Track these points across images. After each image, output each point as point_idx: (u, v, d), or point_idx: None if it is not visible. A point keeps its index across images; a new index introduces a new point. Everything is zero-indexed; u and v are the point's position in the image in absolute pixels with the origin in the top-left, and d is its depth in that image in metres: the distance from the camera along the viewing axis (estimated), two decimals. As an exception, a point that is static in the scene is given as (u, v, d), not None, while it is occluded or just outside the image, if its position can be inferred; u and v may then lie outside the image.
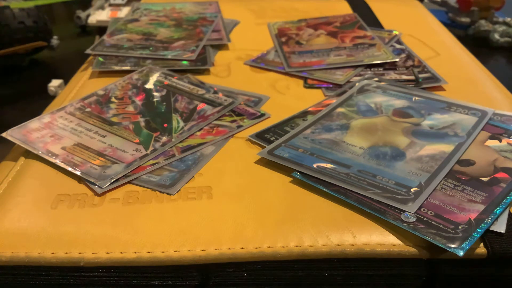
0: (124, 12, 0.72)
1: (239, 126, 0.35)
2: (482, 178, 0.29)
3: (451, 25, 0.75)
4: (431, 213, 0.26)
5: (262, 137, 0.34)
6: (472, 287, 0.26)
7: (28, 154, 0.33)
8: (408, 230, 0.25)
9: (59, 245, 0.25)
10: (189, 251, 0.25)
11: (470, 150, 0.31)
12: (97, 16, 0.74)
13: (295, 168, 0.30)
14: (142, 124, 0.35)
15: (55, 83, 0.56)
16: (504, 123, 0.34)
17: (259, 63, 0.46)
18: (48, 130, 0.34)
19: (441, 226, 0.25)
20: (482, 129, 0.33)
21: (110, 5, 0.77)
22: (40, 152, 0.32)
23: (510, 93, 0.41)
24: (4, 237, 0.26)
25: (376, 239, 0.25)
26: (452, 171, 0.29)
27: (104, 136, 0.34)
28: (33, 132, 0.34)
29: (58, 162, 0.31)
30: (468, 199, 0.27)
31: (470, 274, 0.26)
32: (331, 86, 0.42)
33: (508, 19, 0.72)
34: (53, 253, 0.25)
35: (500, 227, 0.26)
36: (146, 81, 0.41)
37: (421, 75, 0.43)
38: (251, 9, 0.62)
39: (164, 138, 0.34)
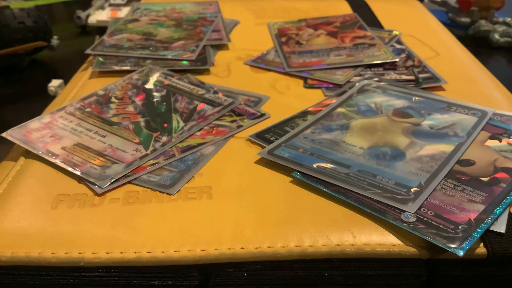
0: (124, 12, 0.72)
1: (239, 126, 0.35)
2: (482, 178, 0.29)
3: (451, 25, 0.75)
4: (431, 213, 0.26)
5: (262, 137, 0.34)
6: (472, 287, 0.26)
7: (28, 154, 0.33)
8: (408, 230, 0.25)
9: (59, 245, 0.25)
10: (189, 251, 0.25)
11: (470, 150, 0.31)
12: (97, 16, 0.74)
13: (295, 168, 0.30)
14: (142, 124, 0.35)
15: (55, 83, 0.56)
16: (504, 123, 0.34)
17: (259, 63, 0.46)
18: (48, 130, 0.34)
19: (441, 226, 0.25)
20: (482, 129, 0.33)
21: (110, 5, 0.77)
22: (40, 152, 0.32)
23: (510, 93, 0.41)
24: (4, 237, 0.26)
25: (376, 239, 0.25)
26: (452, 171, 0.29)
27: (104, 136, 0.34)
28: (33, 132, 0.34)
29: (58, 162, 0.31)
30: (468, 199, 0.27)
31: (470, 274, 0.26)
32: (331, 86, 0.42)
33: (508, 19, 0.72)
34: (53, 253, 0.25)
35: (500, 227, 0.26)
36: (146, 81, 0.41)
37: (421, 75, 0.43)
38: (251, 9, 0.62)
39: (164, 138, 0.34)
